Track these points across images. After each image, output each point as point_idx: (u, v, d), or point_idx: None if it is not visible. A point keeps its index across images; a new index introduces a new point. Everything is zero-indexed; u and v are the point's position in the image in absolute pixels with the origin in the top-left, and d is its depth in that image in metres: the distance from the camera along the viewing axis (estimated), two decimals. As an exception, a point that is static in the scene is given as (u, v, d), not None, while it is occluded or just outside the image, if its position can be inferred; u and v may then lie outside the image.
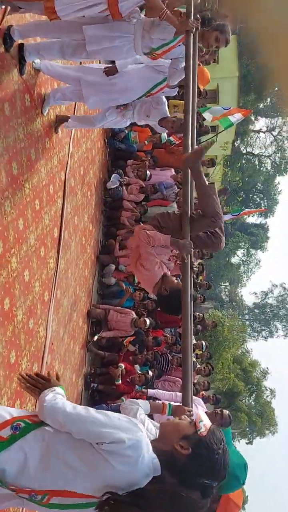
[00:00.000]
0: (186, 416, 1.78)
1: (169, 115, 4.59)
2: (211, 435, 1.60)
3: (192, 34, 3.27)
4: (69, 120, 4.54)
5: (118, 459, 1.51)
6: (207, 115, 8.44)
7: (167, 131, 4.88)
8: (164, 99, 4.54)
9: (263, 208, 21.54)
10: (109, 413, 1.63)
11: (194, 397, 2.72)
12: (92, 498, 1.54)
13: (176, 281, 2.95)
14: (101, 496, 1.49)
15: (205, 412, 4.97)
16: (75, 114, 5.13)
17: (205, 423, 1.62)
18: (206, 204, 2.98)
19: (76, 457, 1.55)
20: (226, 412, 4.82)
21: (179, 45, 3.59)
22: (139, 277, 3.15)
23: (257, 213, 28.52)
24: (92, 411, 1.61)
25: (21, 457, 1.56)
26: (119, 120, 4.57)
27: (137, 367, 6.17)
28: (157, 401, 2.35)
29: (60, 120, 4.47)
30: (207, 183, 3.05)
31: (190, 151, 3.10)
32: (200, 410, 1.70)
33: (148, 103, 4.57)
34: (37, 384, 1.76)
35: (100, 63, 6.26)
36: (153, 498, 1.48)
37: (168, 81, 3.96)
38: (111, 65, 4.02)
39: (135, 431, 1.56)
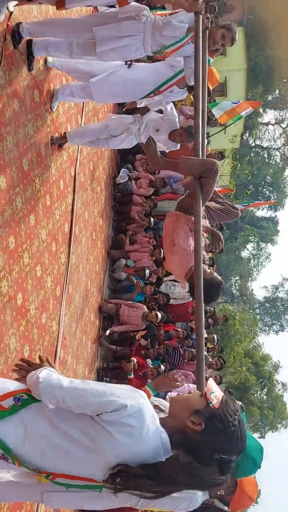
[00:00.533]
0: (195, 389, 1.67)
1: (178, 127, 4.57)
2: (224, 406, 1.46)
3: (201, 16, 3.25)
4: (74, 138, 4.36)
5: (120, 429, 1.40)
6: (216, 112, 8.37)
7: (178, 147, 4.82)
8: (175, 111, 4.53)
9: (272, 201, 21.24)
10: (109, 384, 1.55)
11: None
12: (95, 482, 1.49)
13: (208, 271, 2.93)
14: (109, 470, 1.40)
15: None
16: (83, 110, 5.14)
17: (217, 394, 1.49)
18: (190, 169, 2.96)
19: (77, 431, 1.46)
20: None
21: (188, 43, 3.57)
22: (173, 261, 3.10)
23: (267, 206, 28.29)
24: (91, 383, 1.53)
25: (20, 431, 1.50)
26: (125, 137, 4.49)
27: (149, 361, 6.20)
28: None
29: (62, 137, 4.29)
30: (178, 162, 3.05)
31: (200, 152, 3.09)
32: (210, 380, 1.57)
33: (157, 118, 4.56)
34: (29, 368, 1.66)
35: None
36: (167, 472, 1.39)
37: (187, 81, 3.93)
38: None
39: (137, 397, 1.46)
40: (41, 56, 3.74)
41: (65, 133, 4.16)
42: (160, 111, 4.73)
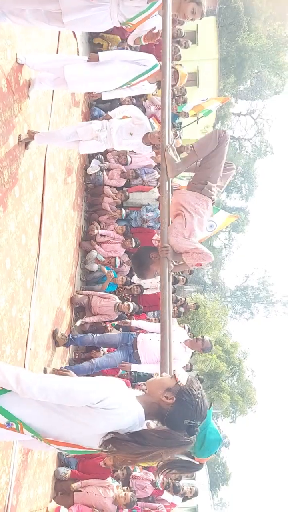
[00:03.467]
0: (166, 373, 2.10)
1: (150, 129, 4.65)
2: (190, 384, 1.87)
3: None
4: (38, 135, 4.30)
5: (107, 413, 1.75)
6: (184, 108, 8.45)
7: (151, 150, 4.91)
8: (143, 115, 4.62)
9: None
10: (89, 379, 1.87)
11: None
12: (84, 449, 1.80)
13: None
14: (103, 438, 1.75)
15: (188, 339, 5.47)
16: (53, 100, 5.08)
17: (183, 375, 1.88)
18: (206, 147, 3.13)
19: (72, 411, 1.78)
20: (207, 337, 5.43)
21: (155, 15, 3.63)
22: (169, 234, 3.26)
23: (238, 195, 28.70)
24: (76, 384, 1.82)
25: (22, 401, 1.79)
26: (95, 143, 4.54)
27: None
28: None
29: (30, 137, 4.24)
30: (179, 167, 3.24)
31: (167, 138, 3.17)
32: (177, 365, 1.93)
33: (128, 122, 4.63)
34: None
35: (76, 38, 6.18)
36: (149, 437, 1.75)
37: (130, 41, 4.08)
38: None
39: (113, 388, 1.82)
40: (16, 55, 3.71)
41: (33, 132, 4.14)
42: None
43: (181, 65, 6.83)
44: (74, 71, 3.98)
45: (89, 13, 3.44)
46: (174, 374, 1.90)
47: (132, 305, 6.35)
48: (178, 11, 3.64)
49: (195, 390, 1.86)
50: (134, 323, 6.00)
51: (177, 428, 1.80)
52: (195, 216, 3.18)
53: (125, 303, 6.38)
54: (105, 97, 4.65)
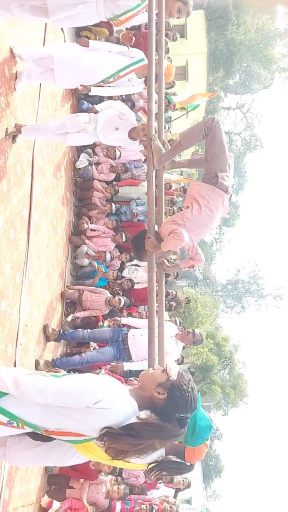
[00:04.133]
0: (158, 366, 2.15)
1: (136, 124, 4.66)
2: (181, 378, 1.93)
3: None
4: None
5: (103, 412, 1.82)
6: (175, 99, 8.45)
7: (138, 145, 4.90)
8: (130, 111, 4.64)
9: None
10: (81, 382, 1.89)
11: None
12: (83, 436, 1.87)
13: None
14: (99, 431, 1.82)
15: (179, 333, 5.41)
16: (40, 93, 5.04)
17: (174, 370, 1.94)
18: (193, 137, 3.12)
19: (70, 409, 1.83)
20: (197, 331, 5.42)
21: (142, 12, 3.65)
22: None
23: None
24: (72, 387, 1.85)
25: (21, 402, 1.85)
26: (82, 135, 4.52)
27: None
28: None
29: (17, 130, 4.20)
30: (165, 157, 3.20)
31: (153, 128, 3.17)
32: (168, 359, 1.96)
33: (114, 116, 4.64)
34: None
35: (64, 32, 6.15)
36: (141, 430, 1.82)
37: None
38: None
39: (105, 387, 1.87)
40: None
41: (20, 125, 4.12)
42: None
43: (169, 57, 6.82)
44: (63, 52, 4.03)
45: (76, 10, 3.46)
46: (166, 369, 1.95)
47: (123, 299, 6.35)
48: (164, 8, 3.65)
49: (185, 385, 1.91)
50: (124, 320, 6.00)
51: (169, 421, 1.86)
52: (204, 211, 3.03)
53: (116, 297, 6.38)
54: (93, 92, 4.63)
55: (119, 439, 1.79)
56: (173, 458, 2.07)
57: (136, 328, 5.79)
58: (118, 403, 1.85)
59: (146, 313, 7.14)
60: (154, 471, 1.91)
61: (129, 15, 3.64)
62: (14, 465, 2.41)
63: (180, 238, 2.95)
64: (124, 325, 5.98)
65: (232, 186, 3.14)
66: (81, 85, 4.28)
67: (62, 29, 6.23)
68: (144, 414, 1.91)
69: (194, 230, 3.07)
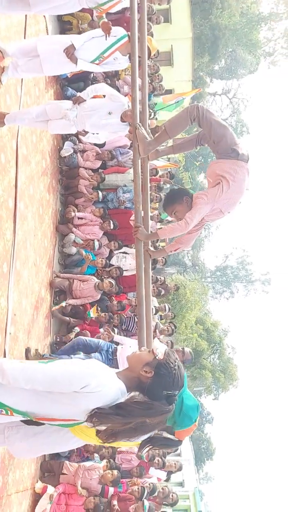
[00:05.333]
0: (145, 348, 2.14)
1: (127, 107, 4.64)
2: (167, 357, 1.96)
3: None
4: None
5: (91, 395, 1.85)
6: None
7: (128, 128, 4.87)
8: (119, 93, 4.63)
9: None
10: (72, 365, 1.93)
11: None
12: (73, 421, 1.89)
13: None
14: (88, 413, 1.84)
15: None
16: (23, 81, 4.97)
17: (160, 349, 1.97)
18: (179, 125, 3.13)
19: (58, 394, 1.86)
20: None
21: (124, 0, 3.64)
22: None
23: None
24: (59, 373, 1.87)
25: (9, 390, 1.86)
26: (64, 123, 4.50)
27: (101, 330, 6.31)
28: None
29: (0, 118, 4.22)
30: (151, 145, 3.19)
31: (138, 116, 3.16)
32: (155, 340, 1.98)
33: (105, 101, 4.71)
34: None
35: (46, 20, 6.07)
36: (131, 408, 1.85)
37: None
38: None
39: (93, 372, 1.89)
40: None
41: (4, 113, 4.09)
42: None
43: (151, 38, 6.77)
44: (47, 43, 4.03)
45: (58, 2, 3.47)
46: (152, 349, 1.99)
47: (113, 281, 6.38)
48: None
49: (172, 363, 1.95)
50: (117, 338, 5.95)
51: (157, 399, 1.90)
52: (232, 185, 3.06)
53: (105, 280, 6.42)
54: (79, 67, 4.58)
55: (108, 418, 1.82)
56: (163, 434, 2.11)
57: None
58: (105, 386, 1.88)
59: (135, 300, 7.18)
60: (145, 446, 1.95)
61: (112, 3, 3.65)
62: (16, 456, 2.43)
63: (183, 229, 3.06)
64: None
65: (248, 155, 3.17)
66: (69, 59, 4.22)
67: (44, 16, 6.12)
68: (132, 394, 1.95)
69: (225, 203, 3.14)
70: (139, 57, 3.44)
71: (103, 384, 1.87)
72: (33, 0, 3.39)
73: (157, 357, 1.95)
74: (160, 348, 1.98)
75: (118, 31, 4.28)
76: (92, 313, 6.60)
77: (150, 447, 1.99)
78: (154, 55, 7.27)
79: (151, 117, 8.05)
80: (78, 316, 6.56)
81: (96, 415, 1.83)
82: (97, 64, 4.40)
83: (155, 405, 1.88)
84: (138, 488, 5.29)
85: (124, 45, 4.30)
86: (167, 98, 8.58)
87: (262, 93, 63.60)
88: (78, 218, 7.07)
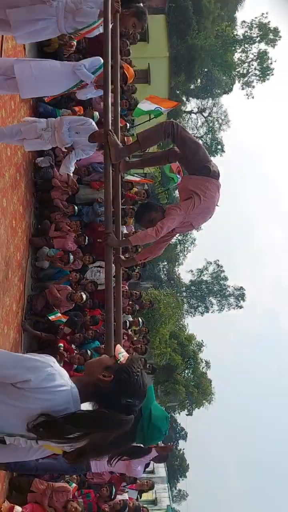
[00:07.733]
0: (106, 355, 1.98)
1: (96, 128, 4.77)
2: (130, 362, 1.80)
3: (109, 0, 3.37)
4: None
5: (36, 392, 1.66)
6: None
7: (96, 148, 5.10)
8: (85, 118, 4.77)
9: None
10: (19, 355, 1.78)
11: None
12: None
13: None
14: (32, 421, 1.62)
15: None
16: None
17: (124, 354, 1.82)
18: (152, 138, 3.23)
19: (4, 394, 1.67)
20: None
21: (101, 26, 3.72)
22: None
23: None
24: (2, 360, 1.71)
25: None
26: (39, 142, 4.57)
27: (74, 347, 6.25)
28: None
29: None
30: (123, 152, 3.25)
31: (110, 123, 3.23)
32: (118, 345, 1.88)
33: (75, 120, 4.86)
34: None
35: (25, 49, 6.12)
36: (83, 417, 1.66)
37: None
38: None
39: (45, 366, 1.72)
40: None
41: None
42: None
43: (131, 60, 6.89)
44: (25, 67, 4.01)
45: (37, 26, 3.56)
46: (115, 353, 1.83)
47: (84, 295, 6.35)
48: (120, 22, 3.74)
49: (134, 368, 1.78)
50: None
51: (115, 408, 1.70)
52: (204, 200, 3.18)
53: (78, 292, 6.38)
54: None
55: (57, 428, 1.62)
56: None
57: None
58: (54, 382, 1.70)
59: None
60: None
61: (89, 29, 3.78)
62: None
63: (155, 236, 3.14)
64: None
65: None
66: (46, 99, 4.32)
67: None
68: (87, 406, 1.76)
69: (195, 217, 3.28)
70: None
71: (51, 380, 1.69)
72: (15, 23, 3.45)
73: (118, 361, 1.78)
74: (123, 352, 1.83)
75: (98, 60, 4.34)
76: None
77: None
78: (131, 83, 7.45)
79: (127, 134, 8.14)
80: (51, 331, 6.48)
81: (43, 424, 1.61)
82: (75, 90, 4.52)
83: (112, 415, 1.67)
84: (106, 488, 5.26)
85: (101, 75, 4.38)
86: (154, 98, 8.51)
87: (237, 113, 65.37)
88: (54, 231, 7.04)
